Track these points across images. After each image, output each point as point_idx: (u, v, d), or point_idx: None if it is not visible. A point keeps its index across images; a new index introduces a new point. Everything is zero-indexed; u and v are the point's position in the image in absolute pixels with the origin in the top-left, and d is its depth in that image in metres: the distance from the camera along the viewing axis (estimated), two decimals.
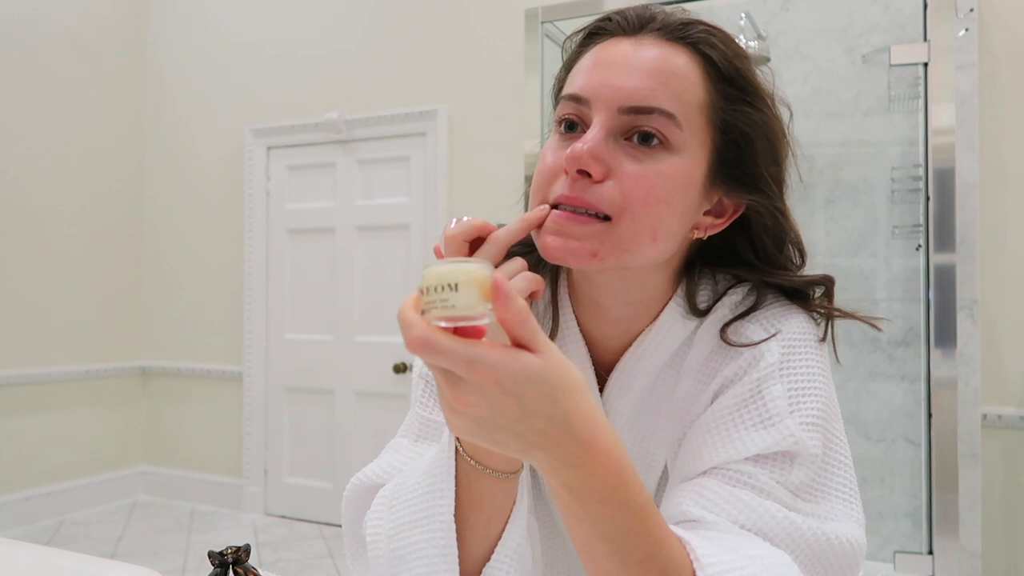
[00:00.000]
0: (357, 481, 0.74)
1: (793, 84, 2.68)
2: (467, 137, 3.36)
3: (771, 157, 0.69)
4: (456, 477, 0.63)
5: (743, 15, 2.54)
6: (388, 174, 3.57)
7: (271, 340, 3.85)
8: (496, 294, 0.44)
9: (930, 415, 2.15)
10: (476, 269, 0.44)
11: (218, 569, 0.77)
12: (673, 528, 0.57)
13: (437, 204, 3.38)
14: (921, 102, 2.28)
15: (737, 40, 0.70)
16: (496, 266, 0.60)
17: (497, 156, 3.24)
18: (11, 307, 3.56)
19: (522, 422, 0.46)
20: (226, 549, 0.78)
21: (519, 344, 0.46)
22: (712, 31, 0.68)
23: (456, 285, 0.44)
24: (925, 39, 2.21)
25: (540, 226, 0.65)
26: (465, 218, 0.61)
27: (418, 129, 3.46)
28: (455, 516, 0.63)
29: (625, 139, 0.65)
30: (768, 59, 2.60)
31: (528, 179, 0.74)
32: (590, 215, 0.64)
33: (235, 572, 0.78)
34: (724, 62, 0.67)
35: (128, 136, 4.11)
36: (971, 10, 2.17)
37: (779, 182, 0.70)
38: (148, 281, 4.16)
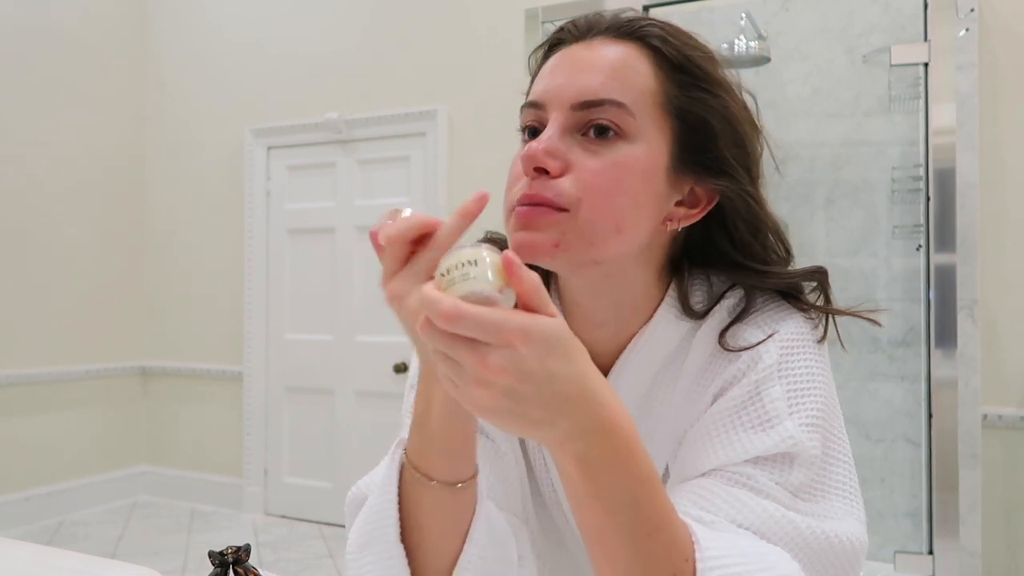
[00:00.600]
0: (355, 490, 0.74)
1: (793, 84, 2.68)
2: (467, 137, 3.36)
3: (732, 140, 0.69)
4: (405, 494, 0.64)
5: (743, 15, 2.54)
6: (388, 174, 3.57)
7: (271, 340, 3.85)
8: (509, 270, 0.47)
9: (930, 415, 2.15)
10: (488, 252, 0.48)
11: (218, 569, 0.77)
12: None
13: (437, 204, 3.38)
14: (921, 102, 2.28)
15: (694, 34, 0.71)
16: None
17: (497, 156, 3.22)
18: (11, 307, 3.56)
19: (547, 385, 0.47)
20: (226, 549, 0.78)
21: (535, 309, 0.48)
22: (660, 24, 0.69)
23: (475, 262, 0.47)
24: (925, 39, 2.21)
25: (474, 216, 0.60)
26: (406, 211, 0.58)
27: (418, 129, 3.46)
28: (409, 533, 0.63)
29: (581, 134, 0.66)
30: (768, 59, 2.60)
31: None
32: (548, 208, 0.65)
33: (235, 572, 0.78)
34: (673, 51, 0.68)
35: (128, 136, 4.11)
36: (971, 10, 2.17)
37: (746, 167, 0.70)
38: (148, 281, 4.16)
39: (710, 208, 0.71)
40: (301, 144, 3.77)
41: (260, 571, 0.80)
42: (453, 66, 3.40)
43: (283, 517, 3.77)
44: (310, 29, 3.74)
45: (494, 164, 3.24)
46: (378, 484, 0.66)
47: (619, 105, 0.65)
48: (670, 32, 0.69)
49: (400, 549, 0.63)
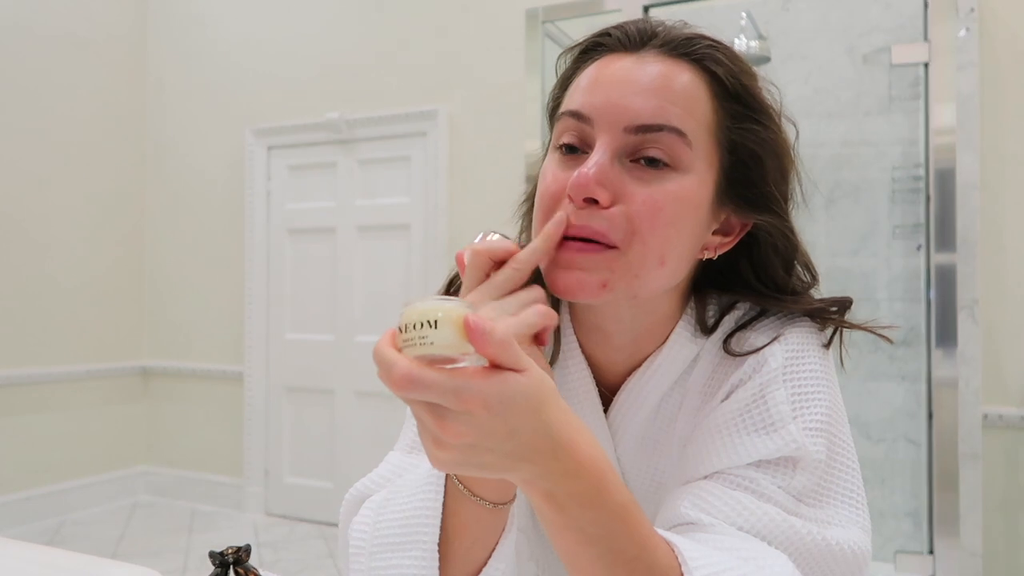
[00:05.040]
0: (354, 491, 0.74)
1: (793, 84, 2.68)
2: (467, 137, 3.36)
3: (780, 175, 0.67)
4: (444, 503, 0.63)
5: (743, 15, 2.54)
6: (388, 174, 3.57)
7: (271, 340, 3.85)
8: (472, 335, 0.43)
9: (931, 415, 2.16)
10: (454, 307, 0.43)
11: (219, 569, 0.77)
12: (660, 532, 0.56)
13: (437, 204, 3.38)
14: (922, 102, 2.28)
15: (739, 51, 0.68)
16: (516, 290, 0.58)
17: (497, 156, 3.24)
18: (11, 307, 3.56)
19: (509, 440, 0.46)
20: (227, 549, 0.78)
21: (502, 366, 0.45)
22: (717, 46, 0.65)
23: (435, 322, 0.43)
24: (926, 39, 2.21)
25: (557, 240, 0.61)
26: (493, 235, 0.59)
27: (418, 129, 3.46)
28: (441, 540, 0.62)
29: (631, 161, 0.63)
30: (768, 59, 2.60)
31: (529, 179, 0.72)
32: (597, 244, 0.62)
33: (236, 572, 0.78)
34: (730, 78, 0.64)
35: (128, 136, 4.11)
36: (971, 10, 2.17)
37: (787, 200, 0.69)
38: (148, 281, 4.16)
39: (743, 235, 0.69)
40: (301, 144, 3.77)
41: (260, 571, 0.80)
42: (453, 66, 3.40)
43: (283, 517, 3.76)
44: (310, 29, 3.74)
45: (494, 163, 3.26)
46: (414, 487, 0.65)
47: (679, 133, 0.62)
48: (726, 55, 0.65)
49: (436, 556, 0.62)
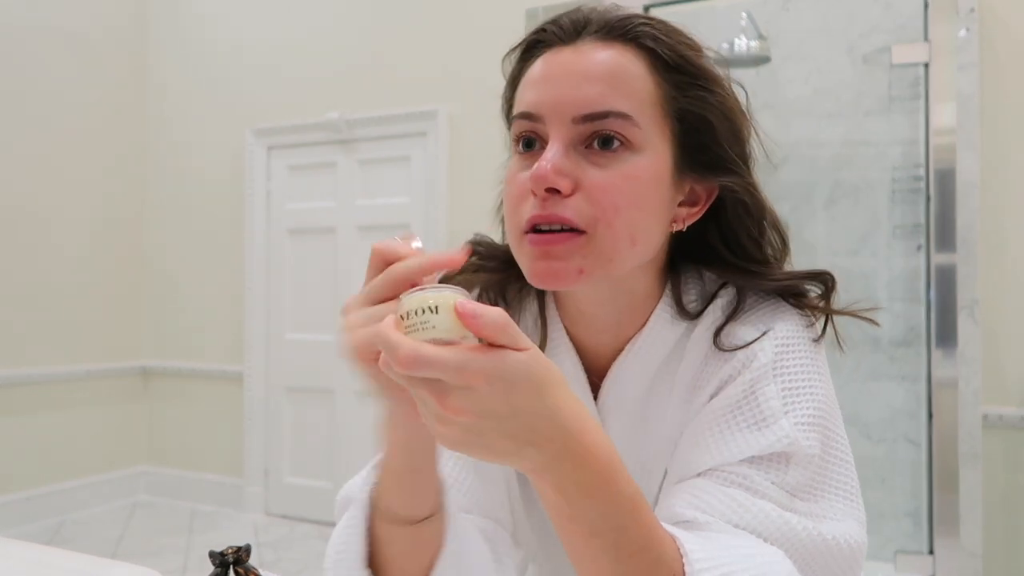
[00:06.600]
0: (344, 491, 0.75)
1: (793, 84, 2.67)
2: (467, 137, 3.36)
3: (732, 136, 0.68)
4: (372, 524, 0.64)
5: (744, 15, 2.54)
6: (389, 174, 3.57)
7: (271, 340, 3.85)
8: (464, 319, 0.45)
9: (931, 415, 2.16)
10: (450, 294, 0.46)
11: (219, 569, 0.77)
12: (664, 525, 0.56)
13: (437, 204, 3.38)
14: (922, 102, 2.28)
15: (682, 29, 0.69)
16: (390, 299, 0.56)
17: (497, 156, 3.22)
18: (11, 307, 3.56)
19: (511, 419, 0.46)
20: (227, 549, 0.78)
21: (503, 347, 0.47)
22: (651, 22, 0.67)
23: (435, 308, 0.46)
24: (926, 39, 2.21)
25: (446, 268, 0.59)
26: (417, 243, 0.57)
27: (418, 129, 3.46)
28: (375, 560, 0.64)
29: (586, 147, 0.64)
30: (768, 59, 2.60)
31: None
32: (566, 231, 0.63)
33: (236, 572, 0.78)
34: (668, 51, 0.66)
35: (129, 136, 4.11)
36: (971, 10, 2.17)
37: (745, 159, 0.70)
38: (149, 281, 4.16)
39: (711, 203, 0.70)
40: (301, 144, 3.77)
41: (260, 571, 0.80)
42: (453, 66, 3.40)
43: (284, 517, 3.76)
44: (310, 29, 3.74)
45: (494, 164, 3.24)
46: (349, 510, 0.67)
47: (623, 116, 0.63)
48: (661, 30, 0.67)
49: None
